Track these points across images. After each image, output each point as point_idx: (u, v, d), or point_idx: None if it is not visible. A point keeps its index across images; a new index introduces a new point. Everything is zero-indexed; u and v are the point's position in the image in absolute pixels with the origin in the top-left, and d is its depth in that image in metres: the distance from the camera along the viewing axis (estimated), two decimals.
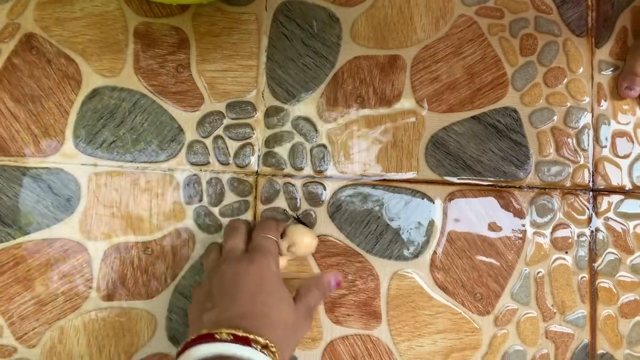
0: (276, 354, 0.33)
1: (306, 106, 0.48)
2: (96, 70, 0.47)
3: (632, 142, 0.48)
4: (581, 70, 0.48)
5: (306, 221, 0.47)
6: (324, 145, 0.47)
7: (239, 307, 0.36)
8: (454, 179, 0.47)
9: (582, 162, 0.47)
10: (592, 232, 0.47)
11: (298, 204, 0.47)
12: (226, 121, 0.47)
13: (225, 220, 0.46)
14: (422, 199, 0.47)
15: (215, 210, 0.46)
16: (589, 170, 0.47)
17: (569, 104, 0.48)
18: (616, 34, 0.49)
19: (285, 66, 0.48)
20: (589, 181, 0.47)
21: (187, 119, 0.47)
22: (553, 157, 0.47)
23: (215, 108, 0.47)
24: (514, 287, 0.46)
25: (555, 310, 0.46)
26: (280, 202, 0.47)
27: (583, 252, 0.47)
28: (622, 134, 0.48)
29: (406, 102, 0.48)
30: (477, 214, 0.47)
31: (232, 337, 0.32)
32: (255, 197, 0.47)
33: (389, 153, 0.47)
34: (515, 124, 0.48)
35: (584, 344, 0.46)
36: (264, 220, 0.46)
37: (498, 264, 0.46)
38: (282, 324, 0.36)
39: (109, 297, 0.45)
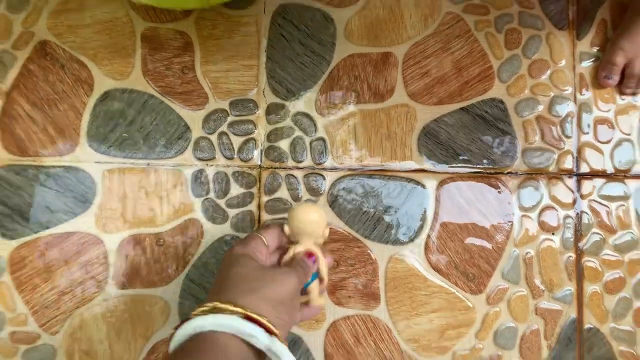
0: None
1: (305, 102, 0.50)
2: (107, 73, 0.50)
3: (613, 128, 0.50)
4: (563, 61, 0.51)
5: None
6: (322, 139, 0.50)
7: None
8: (446, 167, 0.50)
9: (566, 148, 0.50)
10: (577, 214, 0.50)
11: (300, 195, 0.50)
12: (230, 118, 0.50)
13: (231, 212, 0.49)
14: (416, 186, 0.50)
15: (222, 202, 0.49)
16: (572, 155, 0.50)
17: (552, 94, 0.50)
18: (596, 26, 0.51)
19: (284, 65, 0.51)
20: (573, 166, 0.50)
21: (193, 117, 0.50)
22: (538, 144, 0.50)
23: (219, 106, 0.50)
24: (505, 267, 0.49)
25: (543, 288, 0.49)
26: (283, 193, 0.50)
27: (569, 233, 0.49)
28: (603, 121, 0.50)
29: (398, 96, 0.50)
30: (468, 200, 0.49)
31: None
32: (259, 189, 0.50)
33: (383, 144, 0.50)
34: (502, 114, 0.50)
35: (572, 319, 0.49)
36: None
37: (489, 245, 0.49)
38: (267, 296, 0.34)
39: (124, 285, 0.48)
